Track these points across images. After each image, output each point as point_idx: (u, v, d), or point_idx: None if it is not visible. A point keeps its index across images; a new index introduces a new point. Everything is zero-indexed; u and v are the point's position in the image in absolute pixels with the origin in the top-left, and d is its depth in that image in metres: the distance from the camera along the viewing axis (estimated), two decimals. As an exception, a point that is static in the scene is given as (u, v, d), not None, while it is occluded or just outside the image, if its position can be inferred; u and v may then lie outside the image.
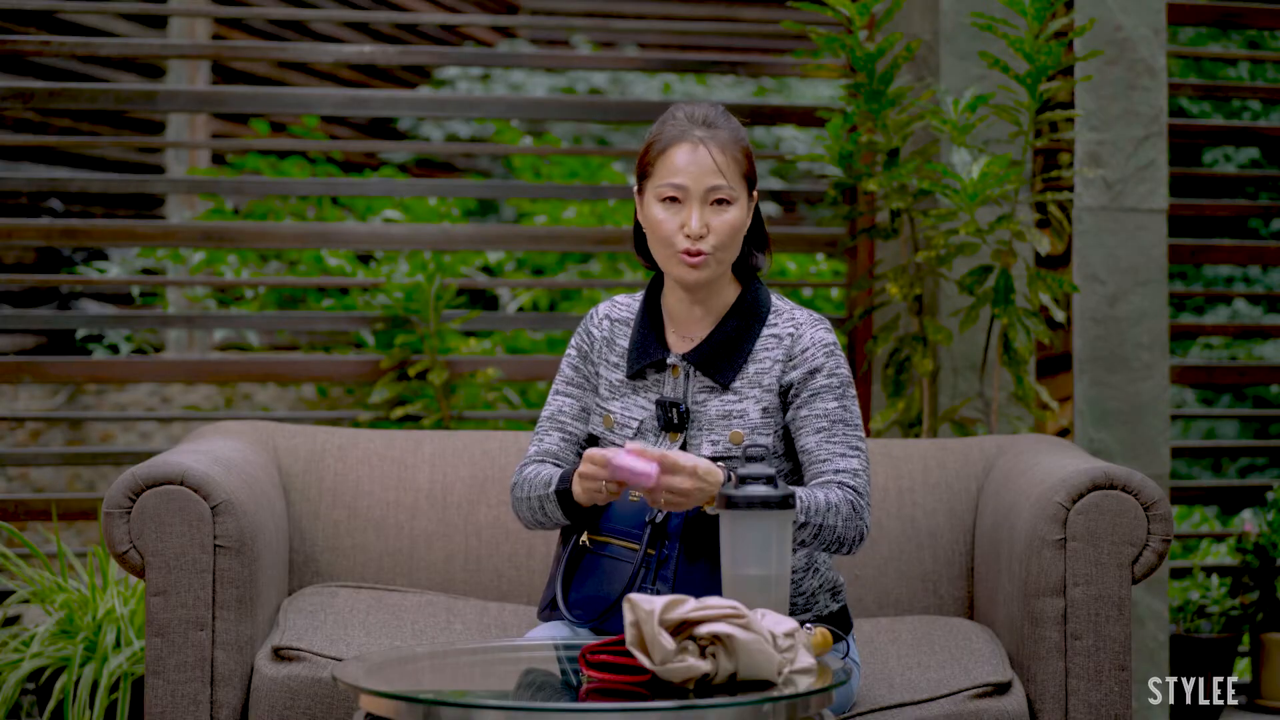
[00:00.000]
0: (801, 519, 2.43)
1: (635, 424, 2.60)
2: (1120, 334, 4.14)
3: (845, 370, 2.58)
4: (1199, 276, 8.56)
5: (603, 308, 2.71)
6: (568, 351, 2.71)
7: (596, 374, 2.68)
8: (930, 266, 3.90)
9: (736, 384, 2.57)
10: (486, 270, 6.64)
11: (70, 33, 6.64)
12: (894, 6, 3.79)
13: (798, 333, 2.58)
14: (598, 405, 2.66)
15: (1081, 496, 2.74)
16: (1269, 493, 4.37)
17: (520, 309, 6.51)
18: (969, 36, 4.05)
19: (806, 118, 4.52)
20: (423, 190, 4.70)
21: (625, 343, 2.66)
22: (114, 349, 6.32)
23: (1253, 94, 5.17)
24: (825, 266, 6.56)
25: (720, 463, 2.52)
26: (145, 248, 6.10)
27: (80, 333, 6.28)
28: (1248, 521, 4.47)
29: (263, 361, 4.93)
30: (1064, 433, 4.12)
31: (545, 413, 2.71)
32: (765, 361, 2.57)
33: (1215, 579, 4.44)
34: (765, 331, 2.59)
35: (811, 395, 2.55)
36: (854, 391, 2.59)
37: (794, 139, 8.25)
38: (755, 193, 2.60)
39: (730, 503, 2.25)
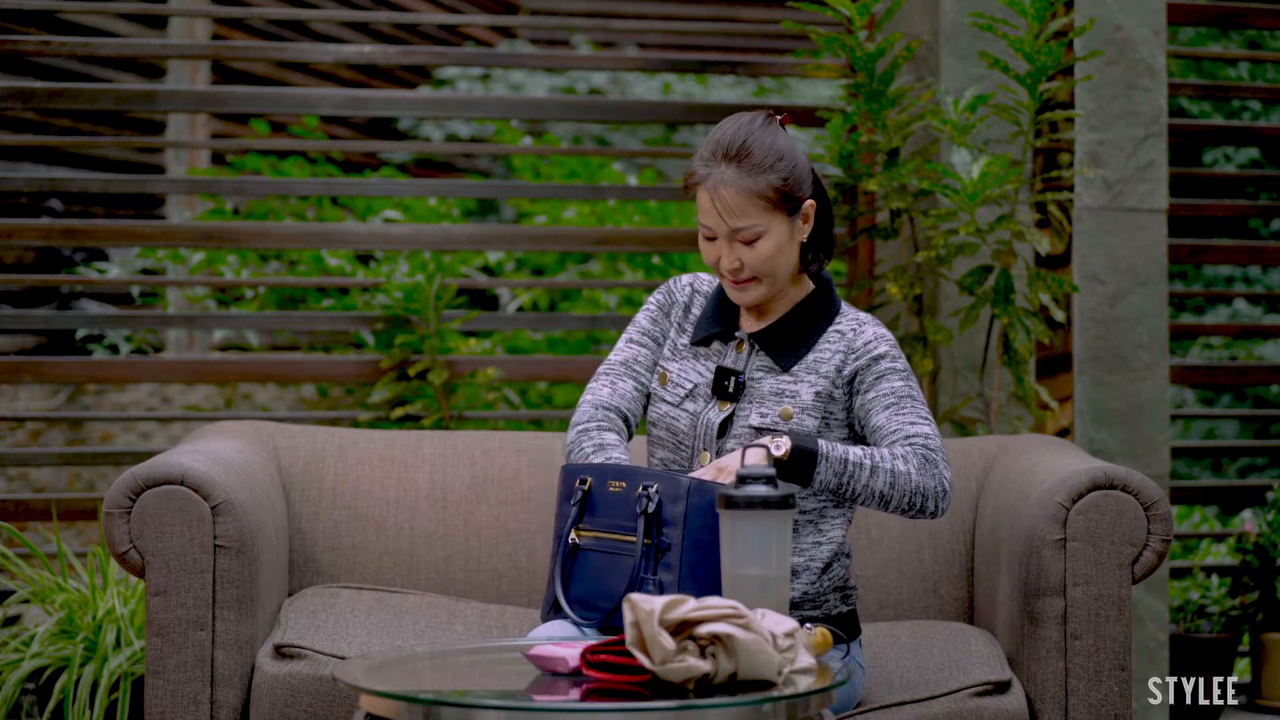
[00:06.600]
0: (868, 463, 2.49)
1: (690, 386, 2.68)
2: (1120, 334, 4.14)
3: (906, 362, 2.66)
4: (1199, 276, 8.55)
5: (686, 278, 2.79)
6: (646, 304, 2.78)
7: (666, 334, 2.76)
8: (930, 266, 3.90)
9: (795, 368, 2.64)
10: (486, 270, 6.63)
11: (70, 33, 6.64)
12: (894, 6, 3.79)
13: (860, 329, 2.66)
14: (658, 363, 2.74)
15: (1081, 496, 2.74)
16: (1269, 493, 4.37)
17: (520, 309, 6.51)
18: (969, 36, 4.05)
19: (806, 118, 4.51)
20: (423, 190, 4.71)
21: (699, 312, 2.74)
22: (114, 349, 6.31)
23: (1253, 94, 5.17)
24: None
25: (765, 435, 2.59)
26: (145, 248, 6.09)
27: (80, 333, 6.28)
28: (1248, 521, 4.47)
29: (263, 361, 4.92)
30: (1064, 433, 4.12)
31: (617, 358, 2.75)
32: (826, 352, 2.65)
33: (1215, 579, 4.44)
34: (830, 327, 2.67)
35: (877, 378, 2.62)
36: (916, 380, 2.68)
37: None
38: (808, 204, 2.65)
39: (730, 503, 2.25)
